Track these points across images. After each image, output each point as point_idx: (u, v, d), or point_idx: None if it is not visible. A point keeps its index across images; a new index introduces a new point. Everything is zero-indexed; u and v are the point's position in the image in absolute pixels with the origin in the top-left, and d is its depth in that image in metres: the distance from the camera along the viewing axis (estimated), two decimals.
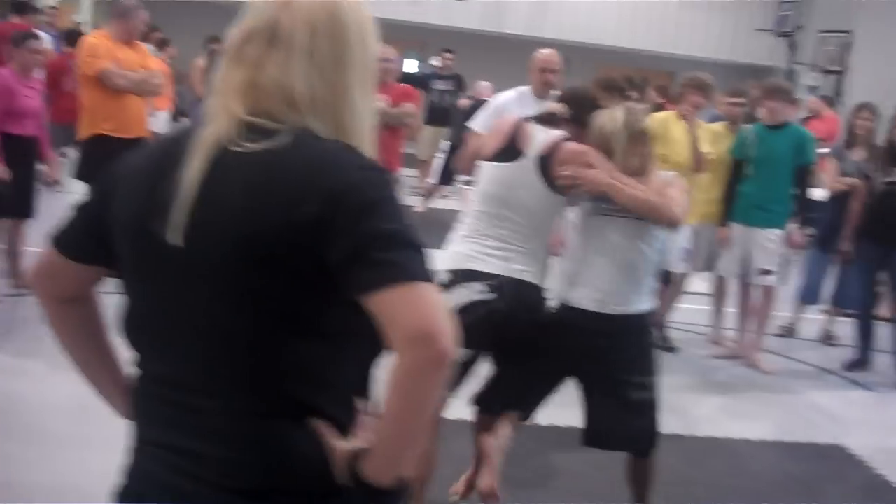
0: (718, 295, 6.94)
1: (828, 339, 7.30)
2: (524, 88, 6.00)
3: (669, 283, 6.64)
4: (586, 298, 3.41)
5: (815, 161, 6.58)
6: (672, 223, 3.46)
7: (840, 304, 7.27)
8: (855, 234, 6.47)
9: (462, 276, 3.33)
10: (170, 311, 1.48)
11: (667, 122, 6.32)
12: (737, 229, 6.42)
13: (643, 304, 3.50)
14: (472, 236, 3.43)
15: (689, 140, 6.18)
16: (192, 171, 1.43)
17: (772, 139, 6.29)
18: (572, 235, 3.54)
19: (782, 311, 7.24)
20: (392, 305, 1.34)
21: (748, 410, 5.63)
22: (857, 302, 6.70)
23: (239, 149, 1.42)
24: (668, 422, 5.15)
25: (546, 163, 3.39)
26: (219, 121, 1.46)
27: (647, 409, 3.48)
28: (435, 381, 1.35)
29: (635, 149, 3.40)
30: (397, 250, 1.37)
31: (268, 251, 1.39)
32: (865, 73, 15.79)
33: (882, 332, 6.65)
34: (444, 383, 1.38)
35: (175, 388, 1.49)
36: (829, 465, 4.91)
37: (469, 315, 3.25)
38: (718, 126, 6.65)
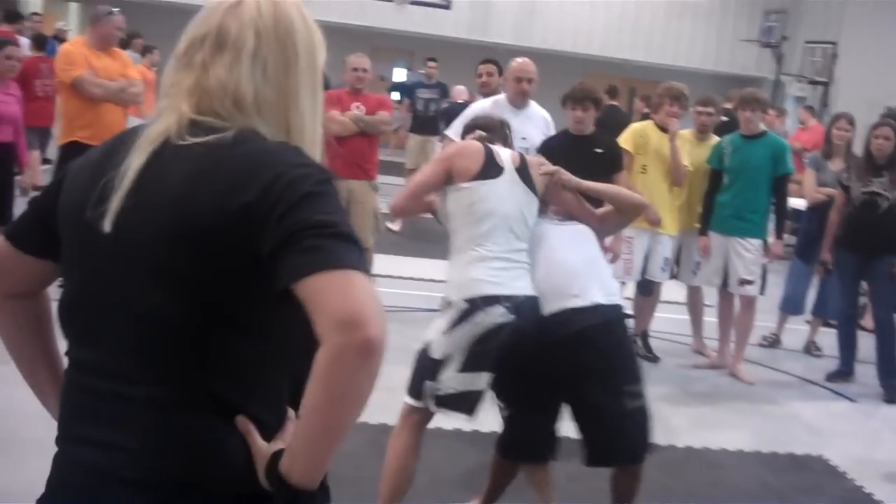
0: (694, 304, 6.93)
1: (811, 350, 7.28)
2: (500, 97, 6.00)
3: (651, 294, 6.64)
4: (558, 300, 3.41)
5: (792, 171, 6.56)
6: (640, 209, 3.85)
7: (822, 314, 7.26)
8: (834, 244, 6.45)
9: (481, 302, 3.34)
10: (102, 298, 1.47)
11: (647, 132, 6.31)
12: (715, 239, 6.41)
13: (613, 296, 3.52)
14: (478, 259, 3.44)
15: (668, 151, 6.18)
16: (133, 161, 1.45)
17: (748, 149, 6.28)
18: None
19: (766, 322, 7.23)
20: (320, 291, 1.31)
21: (728, 421, 5.61)
22: (838, 312, 6.69)
23: (182, 142, 1.44)
24: None
25: (524, 172, 3.55)
26: (166, 118, 1.48)
27: (642, 417, 3.50)
28: (360, 370, 1.30)
29: None
30: (329, 239, 1.35)
31: (201, 238, 1.39)
32: (851, 84, 15.84)
33: (864, 342, 6.64)
34: (373, 376, 1.31)
35: (100, 376, 1.47)
36: (809, 476, 4.87)
37: (493, 340, 3.30)
38: (686, 133, 6.62)
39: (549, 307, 3.40)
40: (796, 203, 7.94)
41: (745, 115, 6.36)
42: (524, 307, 3.35)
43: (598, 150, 5.69)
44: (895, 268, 6.24)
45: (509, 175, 3.51)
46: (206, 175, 1.41)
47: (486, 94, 6.63)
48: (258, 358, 1.45)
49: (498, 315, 3.31)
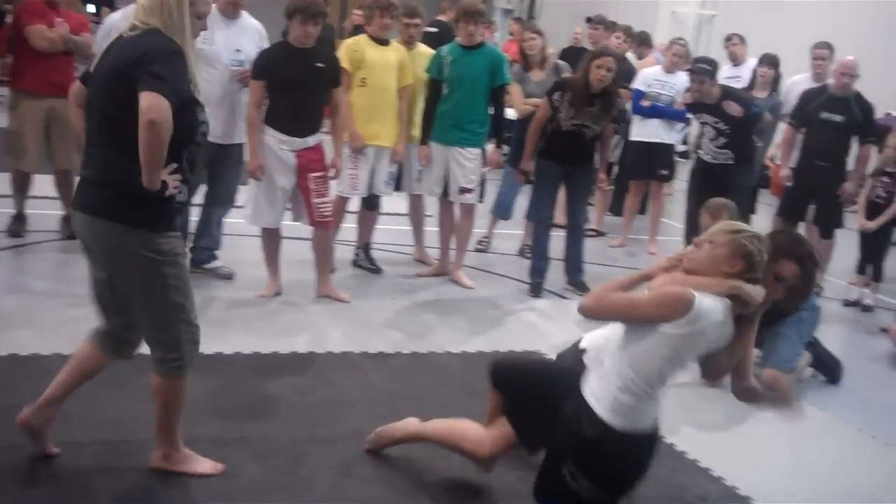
0: (415, 214, 7.09)
1: (524, 252, 7.63)
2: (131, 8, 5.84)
3: (375, 207, 6.72)
4: None
5: (509, 81, 6.77)
6: None
7: (532, 218, 7.58)
8: (537, 154, 6.61)
9: None
10: (90, 107, 3.31)
11: (361, 46, 6.29)
12: (435, 149, 6.54)
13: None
14: None
15: (385, 61, 6.22)
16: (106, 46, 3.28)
17: (467, 60, 6.40)
18: None
19: (480, 228, 7.51)
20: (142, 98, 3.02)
21: (452, 325, 5.80)
22: (536, 216, 6.92)
23: (125, 35, 3.22)
24: (374, 342, 5.26)
25: None
26: (125, 25, 3.25)
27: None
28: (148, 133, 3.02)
29: None
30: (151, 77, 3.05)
31: (119, 73, 3.13)
32: None
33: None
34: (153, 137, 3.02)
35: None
36: None
37: None
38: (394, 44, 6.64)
39: None
40: (507, 113, 8.22)
41: (468, 28, 6.42)
42: None
43: (320, 65, 5.64)
44: (598, 179, 6.66)
45: None
46: (126, 49, 3.15)
47: None
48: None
49: None
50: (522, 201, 7.68)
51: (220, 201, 6.11)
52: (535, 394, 3.48)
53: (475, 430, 3.60)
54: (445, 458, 3.68)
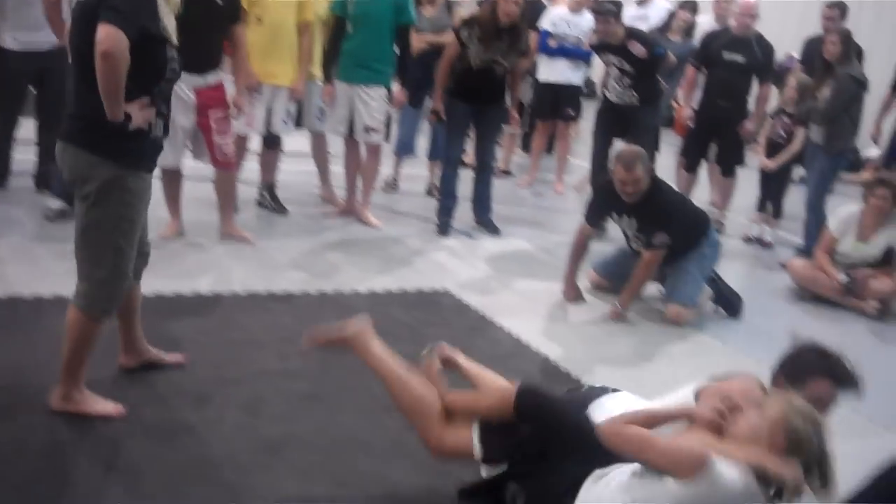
0: (319, 152, 6.98)
1: (433, 192, 7.60)
2: None
3: (275, 146, 6.59)
4: None
5: (414, 20, 6.66)
6: None
7: (437, 157, 7.55)
8: (447, 93, 6.57)
9: None
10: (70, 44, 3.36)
11: None
12: (340, 87, 6.43)
13: None
14: None
15: None
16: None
17: None
18: None
19: (386, 167, 7.45)
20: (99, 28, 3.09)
21: (360, 265, 5.75)
22: (445, 156, 6.90)
23: None
24: (280, 282, 5.19)
25: None
26: None
27: None
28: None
29: None
30: (110, 10, 3.10)
31: (89, 14, 3.15)
32: None
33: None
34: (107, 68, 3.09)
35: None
36: (435, 308, 5.14)
37: None
38: None
39: None
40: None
41: None
42: None
43: (219, 2, 5.46)
44: (510, 117, 6.70)
45: None
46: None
47: None
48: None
49: None
50: (423, 139, 7.65)
51: None
52: (548, 435, 3.11)
53: (438, 416, 3.25)
54: (354, 390, 3.65)
